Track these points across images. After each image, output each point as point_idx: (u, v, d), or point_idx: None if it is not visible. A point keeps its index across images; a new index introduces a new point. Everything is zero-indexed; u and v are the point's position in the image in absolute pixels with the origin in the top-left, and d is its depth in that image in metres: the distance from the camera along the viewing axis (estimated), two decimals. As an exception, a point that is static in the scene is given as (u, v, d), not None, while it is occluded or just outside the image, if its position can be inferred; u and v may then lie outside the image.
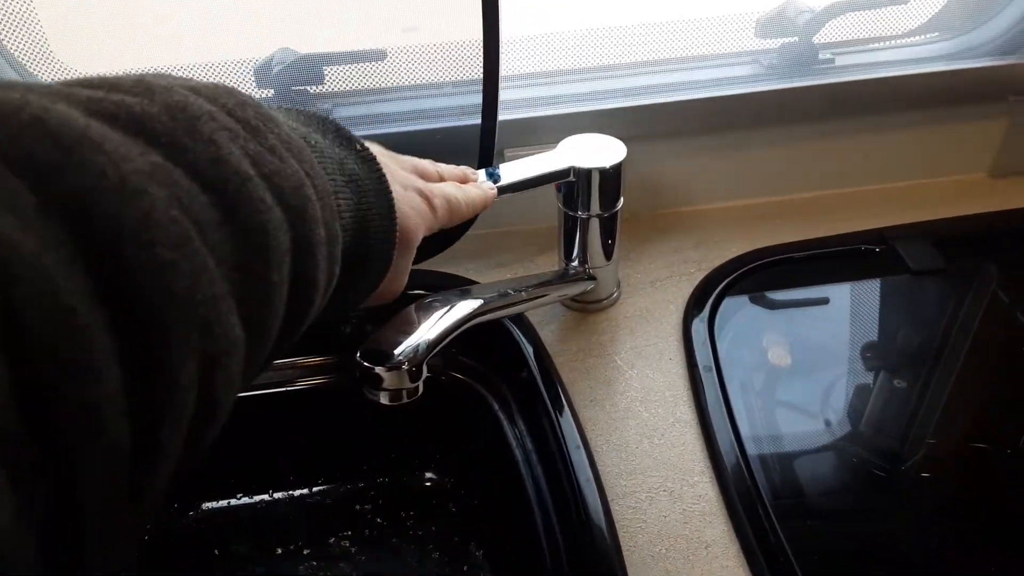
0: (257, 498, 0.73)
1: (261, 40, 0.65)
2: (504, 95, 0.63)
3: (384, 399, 0.41)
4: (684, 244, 0.73)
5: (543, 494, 0.58)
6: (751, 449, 0.53)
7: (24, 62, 0.63)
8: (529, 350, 0.62)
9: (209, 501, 0.72)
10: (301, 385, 0.69)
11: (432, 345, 0.42)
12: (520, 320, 0.65)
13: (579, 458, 0.53)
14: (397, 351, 0.40)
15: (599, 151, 0.59)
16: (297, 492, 0.74)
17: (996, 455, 0.54)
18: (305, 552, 0.71)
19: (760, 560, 0.46)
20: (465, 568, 0.68)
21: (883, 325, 0.66)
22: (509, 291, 0.51)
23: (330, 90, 0.67)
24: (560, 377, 0.60)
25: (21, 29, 0.61)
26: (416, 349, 0.41)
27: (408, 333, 0.41)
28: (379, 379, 0.40)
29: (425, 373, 0.41)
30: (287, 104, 0.66)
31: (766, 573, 0.46)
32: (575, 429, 0.55)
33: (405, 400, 0.41)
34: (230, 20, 0.64)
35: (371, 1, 0.62)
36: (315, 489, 0.74)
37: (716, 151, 0.74)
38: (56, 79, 0.64)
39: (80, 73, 0.64)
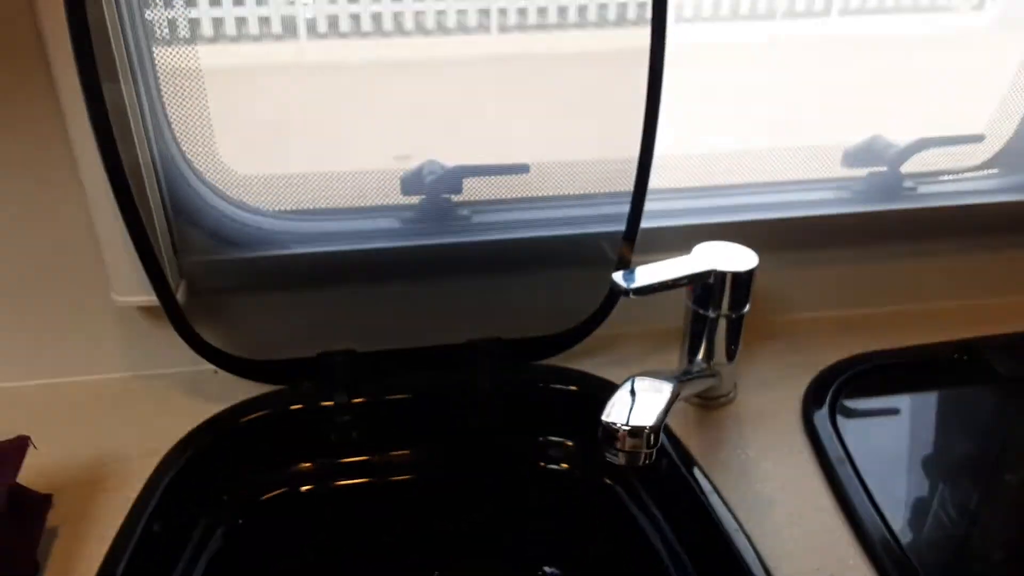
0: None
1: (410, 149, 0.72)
2: (611, 209, 0.69)
3: (623, 460, 0.44)
4: (783, 349, 0.78)
5: (691, 582, 0.60)
6: (902, 535, 0.56)
7: (192, 159, 0.68)
8: (665, 440, 0.65)
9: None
10: (413, 475, 0.71)
11: (663, 415, 0.45)
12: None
13: (741, 542, 0.55)
14: (637, 418, 0.44)
15: (732, 257, 0.65)
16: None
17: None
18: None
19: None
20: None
21: (995, 427, 0.70)
22: (675, 379, 0.55)
23: (468, 199, 0.73)
24: (702, 466, 0.63)
25: (196, 130, 0.67)
26: (653, 416, 0.44)
27: (644, 403, 0.45)
28: (623, 441, 0.43)
29: (662, 440, 0.45)
30: (435, 212, 0.72)
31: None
32: (730, 514, 0.58)
33: (641, 463, 0.44)
34: (375, 132, 0.71)
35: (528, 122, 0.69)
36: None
37: (806, 266, 0.81)
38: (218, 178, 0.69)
39: (239, 175, 0.70)
